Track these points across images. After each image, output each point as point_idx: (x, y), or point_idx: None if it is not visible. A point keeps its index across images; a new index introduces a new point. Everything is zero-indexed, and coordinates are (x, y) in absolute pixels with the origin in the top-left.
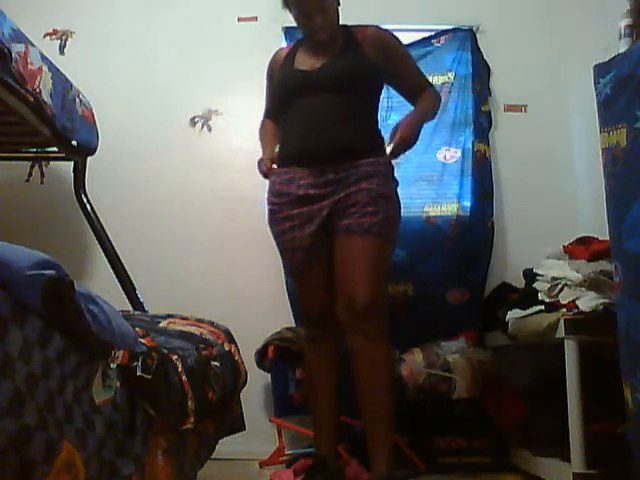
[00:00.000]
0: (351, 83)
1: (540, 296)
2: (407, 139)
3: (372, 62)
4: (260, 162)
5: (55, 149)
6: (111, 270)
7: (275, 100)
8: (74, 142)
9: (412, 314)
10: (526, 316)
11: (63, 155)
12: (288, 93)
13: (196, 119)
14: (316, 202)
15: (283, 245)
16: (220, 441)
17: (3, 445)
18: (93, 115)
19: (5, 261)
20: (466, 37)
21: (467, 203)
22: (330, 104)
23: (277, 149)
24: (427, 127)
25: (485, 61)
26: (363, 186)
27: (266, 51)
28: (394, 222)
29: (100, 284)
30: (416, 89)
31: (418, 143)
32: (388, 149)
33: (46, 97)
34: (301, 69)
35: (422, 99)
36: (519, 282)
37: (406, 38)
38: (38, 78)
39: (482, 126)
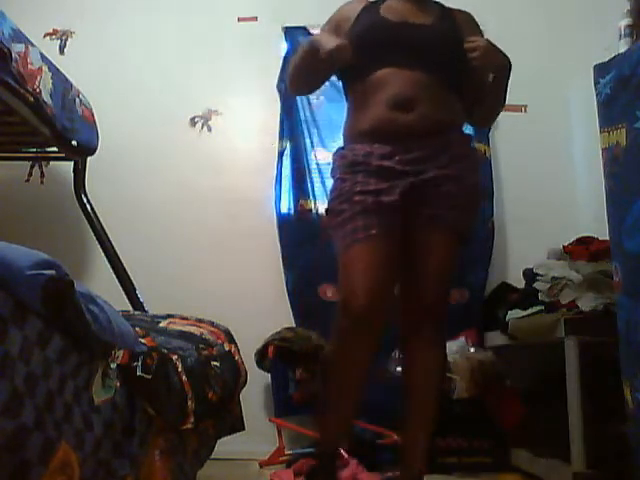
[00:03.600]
0: (454, 52)
1: (540, 296)
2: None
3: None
4: (328, 50)
5: (55, 149)
6: (111, 270)
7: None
8: (74, 142)
9: None
10: (526, 316)
11: (63, 155)
12: (374, 46)
13: (196, 119)
14: (399, 177)
15: (346, 211)
16: (220, 441)
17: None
18: (93, 115)
19: (5, 261)
20: None
21: None
22: (428, 71)
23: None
24: None
25: None
26: (454, 172)
27: (266, 51)
28: (474, 221)
29: (100, 284)
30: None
31: None
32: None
33: (46, 97)
34: (397, 20)
35: None
36: (519, 282)
37: None
38: (38, 78)
39: None
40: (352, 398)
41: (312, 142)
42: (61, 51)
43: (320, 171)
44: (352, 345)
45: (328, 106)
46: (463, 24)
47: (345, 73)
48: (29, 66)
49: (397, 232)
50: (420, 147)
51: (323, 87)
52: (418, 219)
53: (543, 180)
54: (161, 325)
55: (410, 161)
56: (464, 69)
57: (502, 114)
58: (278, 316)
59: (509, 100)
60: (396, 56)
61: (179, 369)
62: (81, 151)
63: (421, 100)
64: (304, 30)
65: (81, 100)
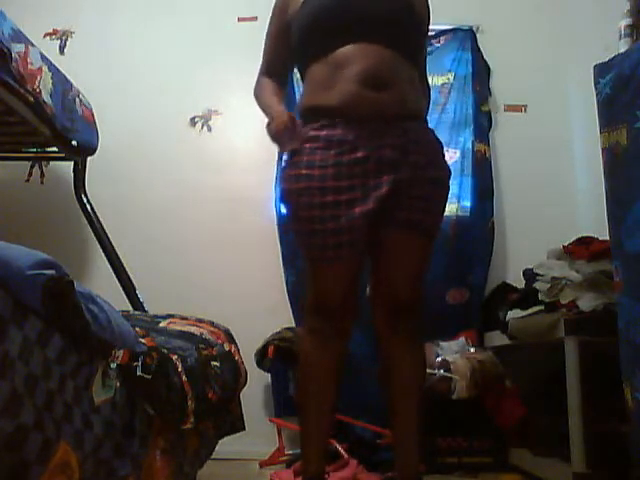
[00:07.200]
0: (412, 23)
1: (540, 296)
2: None
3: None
4: (270, 124)
5: (55, 149)
6: (111, 270)
7: (296, 39)
8: (74, 142)
9: None
10: (526, 316)
11: (63, 155)
12: (333, 23)
13: (196, 119)
14: (373, 176)
15: (316, 222)
16: (220, 441)
17: None
18: (93, 115)
19: (5, 261)
20: (466, 37)
21: (467, 203)
22: (392, 46)
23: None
24: None
25: (485, 61)
26: (430, 174)
27: None
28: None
29: (100, 284)
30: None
31: None
32: None
33: (46, 97)
34: None
35: None
36: (519, 282)
37: None
38: (38, 78)
39: (482, 126)
40: (324, 406)
41: None
42: (61, 51)
43: None
44: (322, 346)
45: None
46: None
47: (302, 52)
48: (29, 66)
49: (366, 240)
50: (394, 134)
51: None
52: (392, 222)
53: (543, 180)
54: (161, 325)
55: (381, 159)
56: (420, 43)
57: (502, 114)
58: (278, 316)
59: (509, 100)
60: (358, 31)
61: (179, 369)
62: (81, 151)
63: (392, 77)
64: None
65: (81, 100)
